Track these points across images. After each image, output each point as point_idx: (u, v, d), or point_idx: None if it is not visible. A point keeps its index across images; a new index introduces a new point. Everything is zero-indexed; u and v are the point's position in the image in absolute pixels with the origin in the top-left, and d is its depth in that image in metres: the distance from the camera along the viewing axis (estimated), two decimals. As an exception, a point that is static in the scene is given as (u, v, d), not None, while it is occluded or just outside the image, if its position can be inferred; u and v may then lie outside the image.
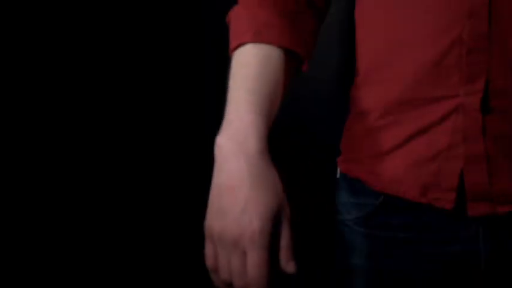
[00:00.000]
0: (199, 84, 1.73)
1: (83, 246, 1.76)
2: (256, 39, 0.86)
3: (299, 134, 1.68)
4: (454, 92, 0.83)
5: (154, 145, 1.77)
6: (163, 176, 1.78)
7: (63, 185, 1.74)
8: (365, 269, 0.92)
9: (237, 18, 0.90)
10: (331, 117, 1.31)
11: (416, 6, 0.84)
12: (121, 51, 1.73)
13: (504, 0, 0.80)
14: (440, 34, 0.83)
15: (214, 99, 1.69)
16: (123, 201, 1.77)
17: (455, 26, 0.82)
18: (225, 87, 0.86)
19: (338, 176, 0.98)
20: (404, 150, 0.87)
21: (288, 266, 0.75)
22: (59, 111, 1.73)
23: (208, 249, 0.77)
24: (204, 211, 0.78)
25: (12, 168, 1.71)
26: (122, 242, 1.78)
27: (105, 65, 1.73)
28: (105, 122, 1.75)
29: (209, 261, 0.77)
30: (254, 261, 0.73)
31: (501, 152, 0.83)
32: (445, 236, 0.87)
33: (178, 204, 1.76)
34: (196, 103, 1.74)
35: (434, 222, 0.87)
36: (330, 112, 1.54)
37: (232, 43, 0.88)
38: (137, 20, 1.72)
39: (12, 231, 1.72)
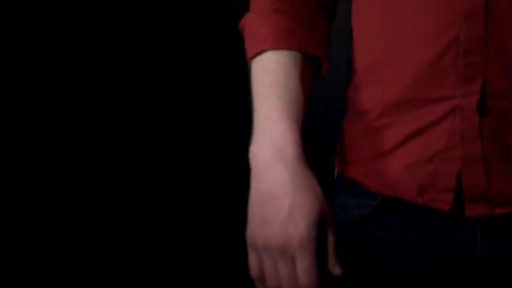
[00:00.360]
0: (199, 84, 1.74)
1: (83, 247, 1.77)
2: (277, 46, 0.86)
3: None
4: (451, 93, 0.83)
5: (153, 145, 1.77)
6: (163, 175, 1.78)
7: (63, 185, 1.75)
8: (363, 269, 0.92)
9: (253, 25, 0.90)
10: (331, 116, 1.31)
11: (416, 6, 0.84)
12: (121, 51, 1.74)
13: (501, 2, 0.80)
14: (438, 34, 0.82)
15: (215, 99, 1.70)
16: (122, 200, 1.77)
17: (452, 27, 0.82)
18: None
19: (335, 176, 0.98)
20: (401, 151, 0.87)
21: (335, 269, 0.75)
22: (58, 110, 1.73)
23: (252, 260, 0.76)
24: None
25: (31, 170, 1.72)
26: (119, 242, 1.78)
27: (105, 65, 1.74)
28: (105, 121, 1.75)
29: (254, 272, 0.76)
30: (305, 267, 0.73)
31: (498, 154, 0.83)
32: (443, 236, 0.87)
33: (177, 203, 1.76)
34: (196, 103, 1.74)
35: (431, 223, 0.87)
36: (330, 111, 1.54)
37: (251, 50, 0.88)
38: (137, 20, 1.73)
39: (27, 231, 1.73)
